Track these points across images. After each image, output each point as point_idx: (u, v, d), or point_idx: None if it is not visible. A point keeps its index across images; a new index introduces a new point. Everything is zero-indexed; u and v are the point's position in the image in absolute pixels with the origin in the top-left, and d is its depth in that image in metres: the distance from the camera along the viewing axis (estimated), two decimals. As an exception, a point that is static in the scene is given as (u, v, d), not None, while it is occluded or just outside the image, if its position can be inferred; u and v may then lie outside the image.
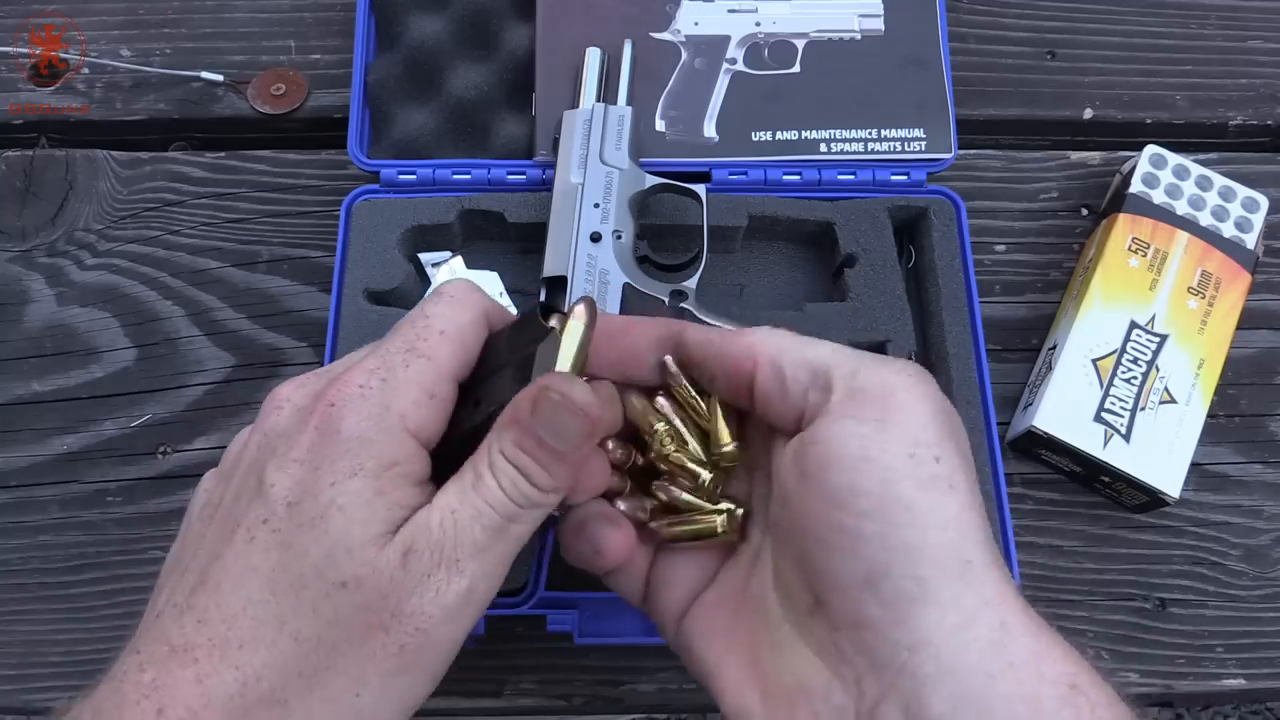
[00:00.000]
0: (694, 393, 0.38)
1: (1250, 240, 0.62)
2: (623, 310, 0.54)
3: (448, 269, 0.61)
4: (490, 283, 0.62)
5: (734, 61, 0.64)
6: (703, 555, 0.38)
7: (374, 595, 0.30)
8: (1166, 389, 0.59)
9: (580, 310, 0.35)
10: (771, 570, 0.36)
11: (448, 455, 0.34)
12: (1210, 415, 0.59)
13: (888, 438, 0.31)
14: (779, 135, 0.62)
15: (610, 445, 0.38)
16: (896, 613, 0.30)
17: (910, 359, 0.58)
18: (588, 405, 0.33)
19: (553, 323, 0.35)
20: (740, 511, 0.37)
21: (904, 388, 0.33)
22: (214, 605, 0.30)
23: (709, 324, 0.50)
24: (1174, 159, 0.64)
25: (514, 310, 0.61)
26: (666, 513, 0.38)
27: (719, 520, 0.37)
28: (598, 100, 0.60)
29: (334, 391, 0.32)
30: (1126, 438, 0.57)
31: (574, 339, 0.35)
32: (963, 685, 0.29)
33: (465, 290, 0.36)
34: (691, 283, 0.56)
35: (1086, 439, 0.57)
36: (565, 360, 0.34)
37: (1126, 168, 0.66)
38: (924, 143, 0.62)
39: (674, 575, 0.38)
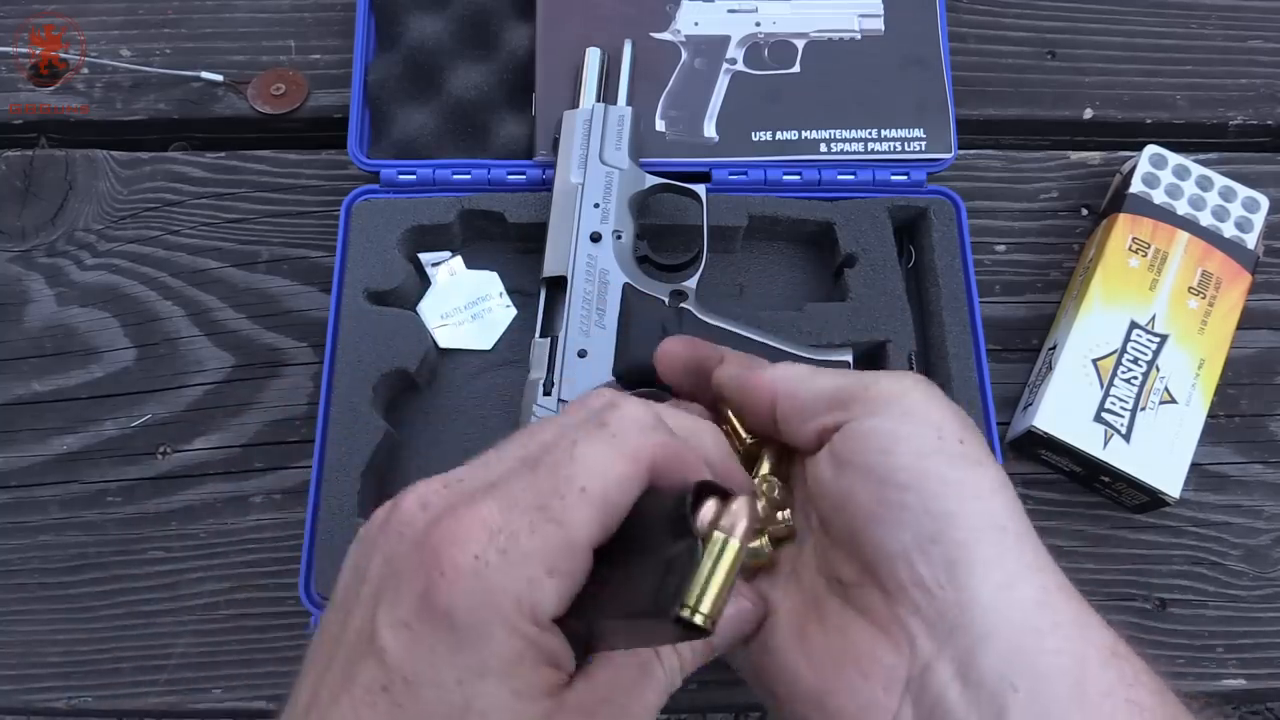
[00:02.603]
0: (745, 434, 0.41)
1: (1250, 240, 0.62)
2: (622, 310, 0.54)
3: (447, 269, 0.61)
4: (490, 283, 0.62)
5: (734, 61, 0.64)
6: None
7: None
8: (1167, 389, 0.59)
9: (739, 513, 0.29)
10: (814, 556, 0.38)
11: (592, 617, 0.31)
12: (1210, 415, 0.59)
13: (913, 425, 0.34)
14: (779, 135, 0.62)
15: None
16: (944, 573, 0.31)
17: (910, 359, 0.58)
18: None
19: (706, 513, 0.29)
20: (789, 512, 0.39)
21: (915, 390, 0.35)
22: None
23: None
24: (1174, 159, 0.64)
25: (514, 310, 0.61)
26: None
27: (785, 523, 0.39)
28: (598, 100, 0.60)
29: (447, 554, 0.29)
30: (1126, 438, 0.57)
31: (713, 559, 0.29)
32: (1013, 641, 0.30)
33: (633, 427, 0.32)
34: (691, 283, 0.56)
35: (1086, 439, 0.57)
36: (695, 592, 0.28)
37: (1126, 168, 0.66)
38: (924, 143, 0.62)
39: None
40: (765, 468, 0.40)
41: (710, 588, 0.28)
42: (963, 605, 0.31)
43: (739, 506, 0.30)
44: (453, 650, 0.29)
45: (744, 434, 0.40)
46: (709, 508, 0.30)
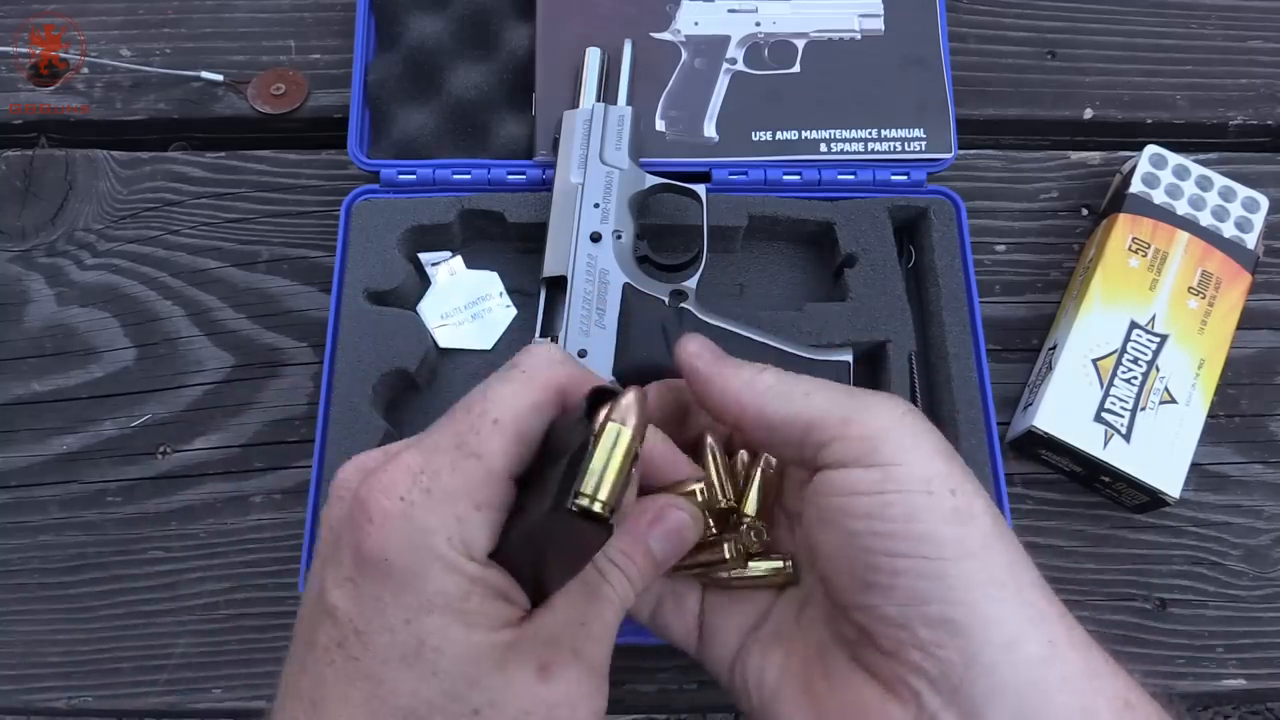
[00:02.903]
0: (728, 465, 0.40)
1: (1250, 240, 0.62)
2: (622, 310, 0.54)
3: (447, 269, 0.61)
4: (490, 283, 0.62)
5: (734, 61, 0.64)
6: (755, 598, 0.39)
7: (515, 711, 0.30)
8: (1167, 389, 0.59)
9: (629, 403, 0.31)
10: (819, 609, 0.37)
11: (518, 542, 0.32)
12: (1210, 415, 0.59)
13: (901, 482, 0.32)
14: (779, 135, 0.62)
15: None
16: (943, 635, 0.31)
17: (910, 359, 0.58)
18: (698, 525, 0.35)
19: (602, 411, 0.31)
20: (791, 563, 0.39)
21: (898, 429, 0.33)
22: None
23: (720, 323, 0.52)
24: (1174, 159, 0.64)
25: (514, 310, 0.61)
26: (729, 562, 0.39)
27: (786, 564, 0.39)
28: (598, 100, 0.60)
29: (374, 502, 0.30)
30: (1127, 438, 0.57)
31: (607, 450, 0.30)
32: (1019, 700, 0.30)
33: (541, 363, 0.33)
34: (691, 283, 0.56)
35: (1086, 439, 0.57)
36: (591, 480, 0.30)
37: (1126, 168, 0.66)
38: (924, 143, 0.62)
39: (727, 619, 0.39)
40: (752, 508, 0.39)
41: (606, 476, 0.30)
42: (965, 665, 0.30)
43: (629, 400, 0.31)
44: (394, 593, 0.30)
45: (727, 494, 0.39)
46: (606, 408, 0.31)
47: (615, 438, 0.30)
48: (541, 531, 0.31)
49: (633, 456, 0.31)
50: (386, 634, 0.30)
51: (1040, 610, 0.31)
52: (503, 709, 0.30)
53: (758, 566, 0.39)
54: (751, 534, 0.38)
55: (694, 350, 0.37)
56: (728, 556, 0.38)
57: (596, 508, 0.30)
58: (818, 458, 0.33)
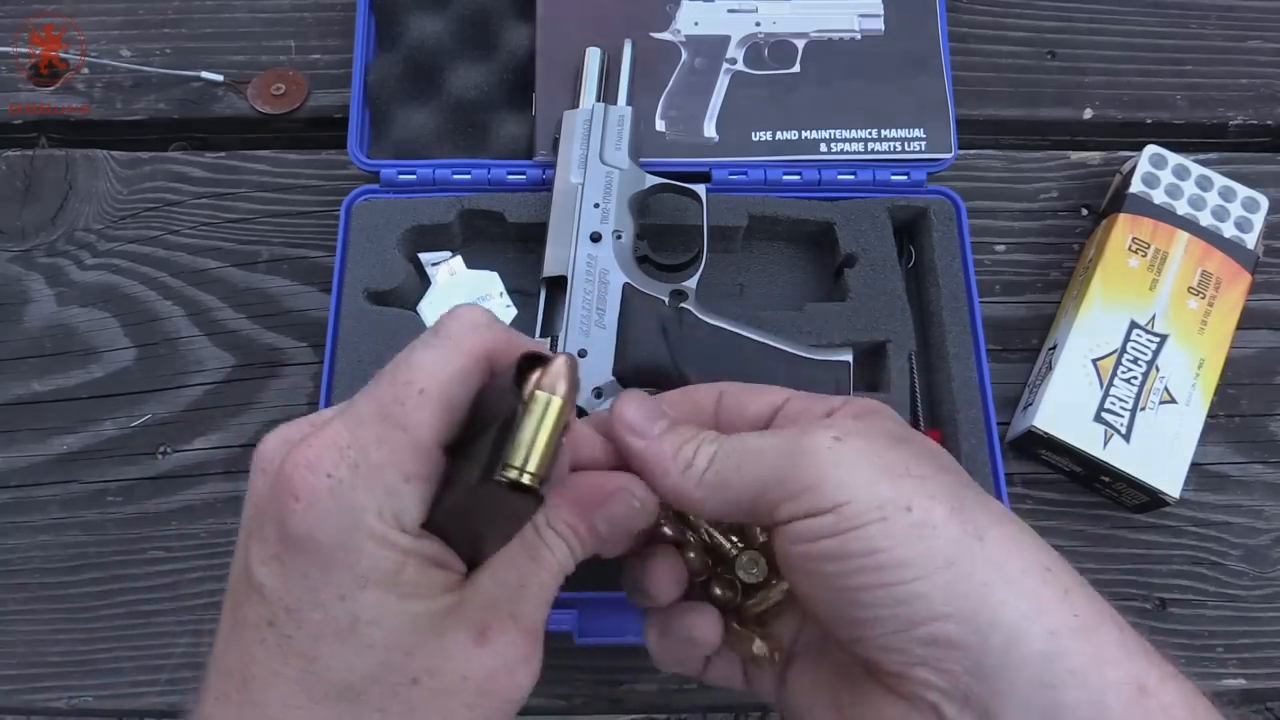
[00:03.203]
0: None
1: (1250, 240, 0.62)
2: (622, 310, 0.54)
3: (447, 269, 0.61)
4: (490, 283, 0.62)
5: (734, 61, 0.64)
6: (782, 622, 0.39)
7: (454, 679, 0.30)
8: (1166, 389, 0.59)
9: (559, 370, 0.30)
10: None
11: (449, 512, 0.31)
12: (1210, 415, 0.59)
13: (852, 516, 0.31)
14: (779, 135, 0.62)
15: (691, 555, 0.38)
16: (940, 650, 0.30)
17: (910, 359, 0.58)
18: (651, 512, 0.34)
19: (531, 379, 0.30)
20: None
21: (834, 464, 0.32)
22: (249, 703, 0.30)
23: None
24: (1174, 159, 0.64)
25: (514, 310, 0.61)
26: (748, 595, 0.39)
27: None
28: (598, 100, 0.60)
29: (300, 478, 0.29)
30: (1126, 438, 0.57)
31: (537, 419, 0.29)
32: (1028, 700, 0.29)
33: (466, 326, 0.32)
34: (691, 283, 0.56)
35: (1086, 439, 0.57)
36: (520, 452, 0.29)
37: (1126, 168, 0.66)
38: (924, 143, 0.62)
39: None
40: (759, 538, 0.38)
41: (536, 446, 0.29)
42: (969, 672, 0.30)
43: (558, 367, 0.30)
44: (324, 570, 0.29)
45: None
46: (535, 374, 0.30)
47: (545, 407, 0.29)
48: (472, 501, 0.31)
49: (563, 426, 0.30)
50: (318, 610, 0.30)
51: (1037, 599, 0.30)
52: (441, 676, 0.30)
53: (763, 596, 0.38)
54: (751, 567, 0.38)
55: (630, 423, 0.35)
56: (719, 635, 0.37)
57: (525, 479, 0.29)
58: (773, 519, 0.33)
